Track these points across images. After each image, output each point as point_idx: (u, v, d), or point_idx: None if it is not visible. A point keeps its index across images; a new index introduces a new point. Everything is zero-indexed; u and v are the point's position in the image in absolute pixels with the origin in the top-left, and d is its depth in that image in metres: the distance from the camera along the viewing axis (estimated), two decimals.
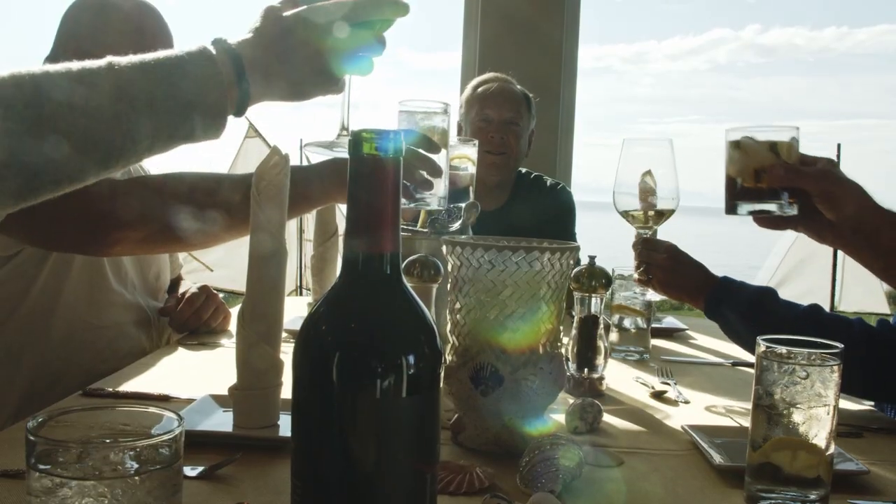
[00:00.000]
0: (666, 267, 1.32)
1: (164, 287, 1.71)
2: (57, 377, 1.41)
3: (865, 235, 1.08)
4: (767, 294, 1.26)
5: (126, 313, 1.55)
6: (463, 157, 1.55)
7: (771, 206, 1.12)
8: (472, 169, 1.55)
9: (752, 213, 1.14)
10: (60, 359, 1.43)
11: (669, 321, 1.95)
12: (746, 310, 1.25)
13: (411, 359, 0.55)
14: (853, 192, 1.08)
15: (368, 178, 0.55)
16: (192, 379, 1.29)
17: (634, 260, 1.36)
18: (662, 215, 1.34)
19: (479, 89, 2.22)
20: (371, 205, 0.55)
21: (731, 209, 1.15)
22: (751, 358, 1.59)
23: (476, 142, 1.49)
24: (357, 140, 0.55)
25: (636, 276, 1.37)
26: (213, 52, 0.85)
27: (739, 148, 1.12)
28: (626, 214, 1.36)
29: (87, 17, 1.49)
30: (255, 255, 1.01)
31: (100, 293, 1.50)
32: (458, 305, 1.01)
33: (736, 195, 1.14)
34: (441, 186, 1.17)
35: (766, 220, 1.16)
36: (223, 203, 1.26)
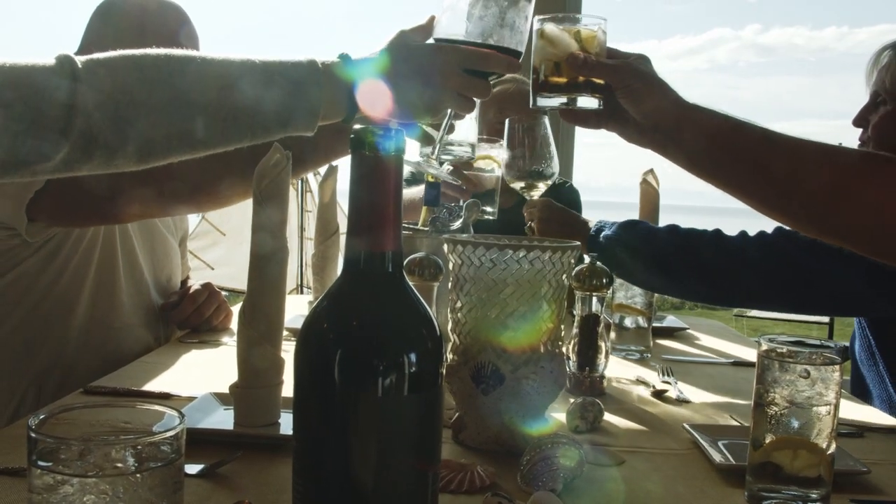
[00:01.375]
0: (542, 217, 1.57)
1: (176, 288, 1.72)
2: (66, 375, 1.42)
3: (667, 131, 1.03)
4: (637, 221, 1.55)
5: (138, 314, 1.56)
6: (489, 158, 1.55)
7: (569, 99, 1.05)
8: (499, 171, 1.56)
9: (552, 106, 1.08)
10: (72, 358, 1.44)
11: (671, 320, 1.95)
12: (621, 232, 1.49)
13: (413, 357, 0.55)
14: (654, 86, 1.03)
15: (370, 176, 0.55)
16: (193, 377, 1.29)
17: (525, 220, 1.60)
18: (538, 187, 1.54)
19: (497, 89, 2.20)
20: (373, 203, 0.55)
21: (533, 102, 1.08)
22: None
23: (503, 142, 1.48)
24: (358, 138, 0.55)
25: (526, 230, 1.58)
26: (325, 62, 0.94)
27: (543, 36, 1.06)
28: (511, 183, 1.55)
29: (94, 22, 1.50)
30: (256, 255, 1.02)
31: (114, 294, 1.51)
32: (459, 304, 1.01)
33: (538, 87, 1.07)
34: (469, 131, 1.11)
35: (570, 115, 1.10)
36: (223, 200, 1.30)
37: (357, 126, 0.56)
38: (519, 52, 1.01)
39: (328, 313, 0.57)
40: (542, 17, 1.05)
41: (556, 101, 1.06)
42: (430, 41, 1.01)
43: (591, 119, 1.10)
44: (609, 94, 1.04)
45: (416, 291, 0.58)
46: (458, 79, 0.97)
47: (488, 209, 1.56)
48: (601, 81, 1.04)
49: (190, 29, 1.50)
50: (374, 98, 0.97)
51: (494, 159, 1.55)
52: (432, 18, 1.02)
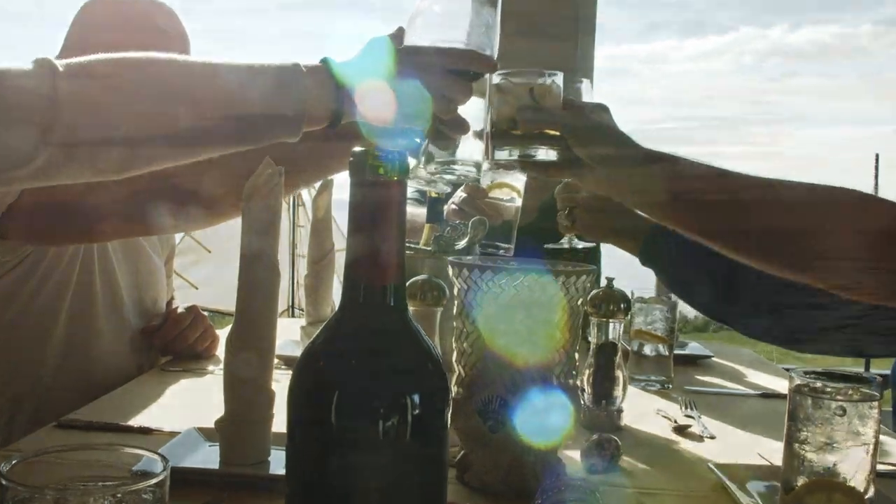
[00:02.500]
0: (591, 206, 1.35)
1: (161, 311, 1.72)
2: (39, 406, 1.42)
3: (620, 176, 1.07)
4: None
5: (118, 341, 1.56)
6: (506, 186, 1.52)
7: (524, 152, 1.11)
8: (519, 201, 1.53)
9: (509, 160, 1.13)
10: (46, 387, 1.44)
11: (694, 347, 1.95)
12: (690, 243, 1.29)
13: (416, 399, 0.55)
14: (603, 134, 1.08)
15: (372, 203, 0.56)
16: (176, 409, 1.29)
17: (559, 208, 1.39)
18: None
19: None
20: (374, 232, 0.55)
21: (491, 155, 1.14)
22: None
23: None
24: (359, 161, 0.55)
25: (560, 220, 1.40)
26: (307, 64, 0.97)
27: (498, 91, 1.12)
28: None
29: (75, 23, 1.51)
30: (245, 257, 1.03)
31: (92, 320, 1.51)
32: (464, 332, 1.01)
33: (495, 140, 1.12)
34: (475, 149, 1.14)
35: (529, 166, 1.14)
36: (205, 200, 1.29)
37: (356, 149, 0.56)
38: (493, 52, 1.06)
39: (325, 352, 0.58)
40: (499, 72, 1.11)
41: (514, 153, 1.11)
42: (406, 45, 1.04)
43: (551, 168, 1.14)
44: (565, 144, 1.09)
45: (420, 327, 0.58)
46: (441, 79, 1.01)
47: (504, 245, 1.51)
48: (556, 132, 1.09)
49: (167, 13, 1.51)
50: (361, 99, 0.99)
51: (513, 187, 1.51)
52: (401, 29, 1.05)
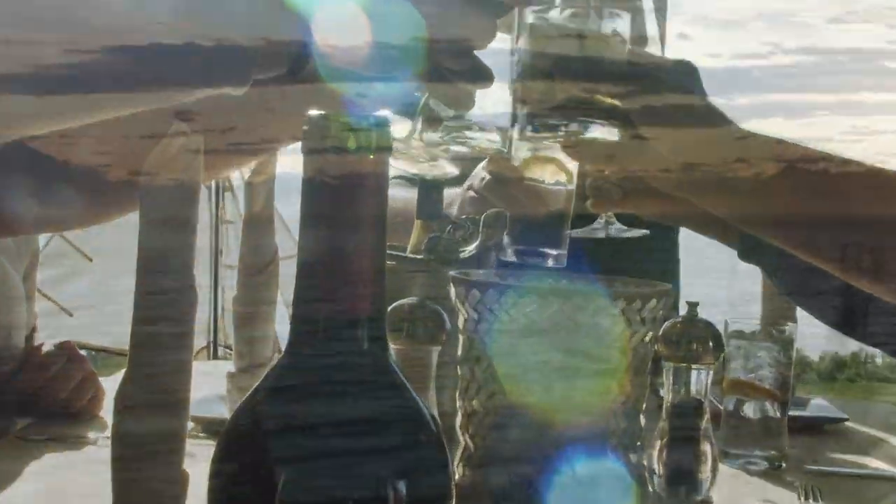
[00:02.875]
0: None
1: (17, 348, 1.72)
2: None
3: (706, 169, 1.08)
4: None
5: None
6: (552, 162, 1.50)
7: (569, 128, 1.11)
8: (572, 185, 1.51)
9: (546, 138, 1.14)
10: None
11: (818, 406, 1.95)
12: None
13: (402, 487, 0.56)
14: (689, 107, 1.09)
15: (336, 190, 0.56)
16: (40, 497, 1.29)
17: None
18: None
19: None
20: (339, 233, 0.56)
21: (521, 132, 1.14)
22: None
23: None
24: (318, 128, 0.55)
25: (599, 189, 1.36)
26: None
27: (531, 34, 1.12)
28: None
29: None
30: (143, 260, 1.03)
31: None
32: (473, 384, 1.01)
33: (523, 107, 1.13)
34: (501, 107, 1.14)
35: (577, 150, 1.17)
36: (80, 174, 1.29)
37: (314, 112, 0.56)
38: None
39: (266, 415, 0.58)
40: (535, 7, 1.10)
41: (554, 128, 1.11)
42: None
43: (608, 155, 1.16)
44: (628, 120, 1.09)
45: (408, 384, 0.58)
46: (452, 8, 1.00)
47: (551, 252, 1.45)
48: (615, 102, 1.08)
49: None
50: (328, 32, 0.98)
51: (560, 164, 1.49)
52: None
